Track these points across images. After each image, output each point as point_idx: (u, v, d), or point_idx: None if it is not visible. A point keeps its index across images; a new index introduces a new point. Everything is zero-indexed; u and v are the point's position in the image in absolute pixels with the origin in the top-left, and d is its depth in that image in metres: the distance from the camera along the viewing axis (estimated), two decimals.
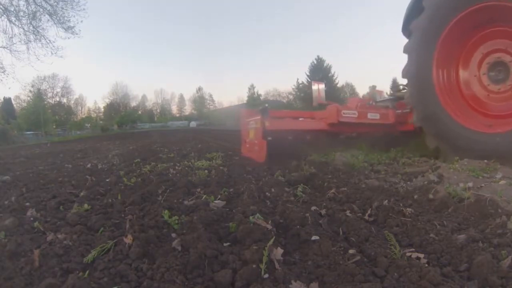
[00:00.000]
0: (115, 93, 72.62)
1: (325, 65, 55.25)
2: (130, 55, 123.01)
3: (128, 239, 1.43)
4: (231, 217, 1.84)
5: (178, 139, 13.43)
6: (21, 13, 18.39)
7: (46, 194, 2.71)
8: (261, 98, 65.04)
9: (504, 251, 1.29)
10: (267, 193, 2.49)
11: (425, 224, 1.67)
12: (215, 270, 1.23)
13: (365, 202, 2.17)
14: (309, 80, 54.86)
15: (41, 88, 58.73)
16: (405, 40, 4.08)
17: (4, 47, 19.02)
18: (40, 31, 19.10)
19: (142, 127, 64.43)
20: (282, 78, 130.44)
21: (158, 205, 2.07)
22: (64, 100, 66.86)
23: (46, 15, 18.92)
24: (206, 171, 3.61)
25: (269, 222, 1.63)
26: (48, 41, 19.44)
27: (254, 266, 1.17)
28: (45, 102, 55.22)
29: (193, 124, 66.15)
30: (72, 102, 69.76)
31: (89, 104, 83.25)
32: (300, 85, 57.85)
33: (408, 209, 1.91)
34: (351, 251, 1.34)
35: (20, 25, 18.58)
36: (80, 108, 73.50)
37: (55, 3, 18.70)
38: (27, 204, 2.36)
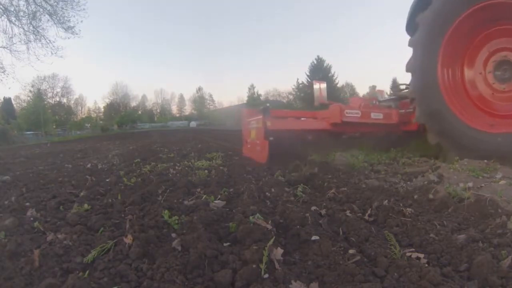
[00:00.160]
0: (115, 93, 72.68)
1: (325, 65, 55.27)
2: (130, 55, 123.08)
3: (128, 239, 1.43)
4: (231, 217, 1.84)
5: (178, 139, 13.43)
6: (21, 13, 18.43)
7: (46, 194, 2.71)
8: (261, 98, 65.03)
9: (504, 251, 1.29)
10: (267, 193, 2.49)
11: (425, 224, 1.67)
12: (215, 270, 1.23)
13: (365, 202, 2.17)
14: (309, 80, 54.86)
15: (41, 88, 58.80)
16: (407, 39, 4.05)
17: (4, 47, 19.05)
18: (40, 31, 19.14)
19: (142, 127, 64.42)
20: (282, 78, 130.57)
21: (158, 205, 2.07)
22: (64, 100, 66.94)
23: (46, 15, 18.95)
24: (206, 171, 3.61)
25: (269, 222, 1.63)
26: (48, 41, 19.48)
27: (254, 266, 1.17)
28: (45, 102, 55.23)
29: (193, 124, 66.14)
30: (72, 102, 69.84)
31: (89, 104, 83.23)
32: (300, 85, 57.86)
33: (408, 209, 1.91)
34: (351, 251, 1.34)
35: (20, 25, 18.62)
36: (80, 108, 73.57)
37: (55, 3, 18.74)
38: (27, 204, 2.35)
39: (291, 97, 62.89)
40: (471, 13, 3.34)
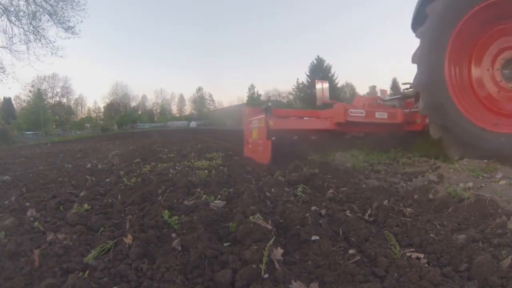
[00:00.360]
0: (115, 93, 72.72)
1: (325, 65, 55.33)
2: (130, 55, 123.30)
3: (128, 239, 1.43)
4: (231, 217, 1.84)
5: (178, 139, 13.43)
6: (21, 13, 18.41)
7: (46, 194, 2.71)
8: (262, 98, 65.03)
9: (504, 251, 1.29)
10: (267, 193, 2.49)
11: (425, 224, 1.67)
12: (215, 270, 1.23)
13: (365, 202, 2.17)
14: (309, 80, 54.87)
15: (41, 88, 58.79)
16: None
17: (4, 47, 19.05)
18: (40, 31, 19.13)
19: (142, 127, 64.45)
20: (282, 78, 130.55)
21: (158, 205, 2.07)
22: (64, 100, 66.95)
23: (46, 15, 18.94)
24: (206, 171, 3.61)
25: (269, 222, 1.63)
26: (48, 41, 19.47)
27: (254, 266, 1.17)
28: (45, 102, 55.19)
29: (193, 124, 66.16)
30: (72, 102, 69.87)
31: (89, 104, 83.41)
32: (300, 85, 57.89)
33: (408, 209, 1.91)
34: (351, 251, 1.34)
35: (20, 25, 18.61)
36: (80, 108, 73.60)
37: (55, 3, 18.72)
38: (27, 204, 2.35)
39: (291, 97, 62.91)
40: (484, 7, 3.22)
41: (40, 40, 19.23)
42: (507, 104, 3.39)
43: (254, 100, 60.26)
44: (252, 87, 71.32)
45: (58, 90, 64.81)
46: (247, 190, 2.43)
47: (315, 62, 55.44)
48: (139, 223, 1.67)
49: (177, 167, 4.05)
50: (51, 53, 19.71)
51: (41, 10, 18.64)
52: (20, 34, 18.87)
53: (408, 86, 5.35)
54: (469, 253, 1.28)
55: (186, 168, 3.99)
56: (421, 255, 1.29)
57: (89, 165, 4.81)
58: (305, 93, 55.24)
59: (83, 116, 69.18)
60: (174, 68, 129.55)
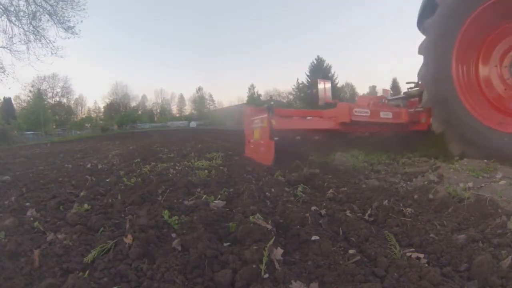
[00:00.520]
0: (115, 93, 72.77)
1: (325, 65, 55.37)
2: (130, 55, 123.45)
3: (128, 239, 1.43)
4: (231, 217, 1.84)
5: (178, 139, 13.43)
6: (21, 13, 18.43)
7: (46, 194, 2.71)
8: (261, 98, 65.05)
9: (504, 251, 1.29)
10: (267, 193, 2.49)
11: (425, 224, 1.67)
12: (215, 270, 1.23)
13: (365, 202, 2.17)
14: (309, 80, 54.82)
15: (41, 88, 58.85)
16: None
17: (4, 47, 19.06)
18: (40, 31, 19.15)
19: (142, 127, 64.50)
20: (282, 78, 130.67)
21: (158, 205, 2.07)
22: (64, 100, 66.99)
23: (46, 15, 18.96)
24: (206, 171, 3.61)
25: (269, 222, 1.63)
26: (48, 41, 19.50)
27: (254, 266, 1.17)
28: (45, 102, 55.20)
29: (193, 124, 66.18)
30: (72, 102, 69.92)
31: (89, 104, 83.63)
32: (300, 85, 57.92)
33: (408, 209, 1.91)
34: (351, 251, 1.34)
35: (20, 25, 18.62)
36: (80, 108, 73.64)
37: (55, 3, 18.74)
38: (27, 204, 2.35)
39: (291, 97, 62.93)
40: (497, 1, 3.13)
41: (40, 40, 19.27)
42: None
43: (254, 100, 60.31)
44: (252, 87, 71.48)
45: (58, 90, 64.93)
46: (247, 190, 2.43)
47: (315, 62, 55.49)
48: (139, 223, 1.67)
49: (177, 167, 4.05)
50: (51, 53, 19.77)
51: (41, 10, 18.68)
52: (20, 34, 18.92)
53: (412, 85, 5.29)
54: (469, 253, 1.28)
55: (186, 168, 3.99)
56: (421, 255, 1.29)
57: (89, 165, 4.81)
58: (305, 93, 55.20)
59: (83, 116, 69.23)
60: (174, 68, 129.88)
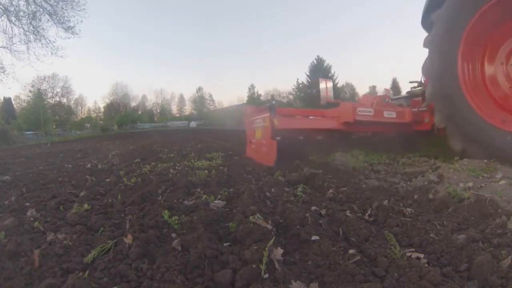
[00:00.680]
0: (115, 93, 72.79)
1: (325, 65, 55.41)
2: (130, 55, 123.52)
3: (128, 239, 1.43)
4: (231, 217, 1.84)
5: (178, 139, 13.43)
6: (21, 13, 18.45)
7: (46, 194, 2.71)
8: (261, 98, 65.08)
9: (504, 251, 1.29)
10: (267, 193, 2.49)
11: (425, 224, 1.67)
12: (215, 270, 1.23)
13: (365, 202, 2.17)
14: (309, 80, 54.82)
15: (41, 88, 58.88)
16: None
17: (4, 47, 19.08)
18: (40, 31, 19.17)
19: (142, 127, 64.51)
20: (282, 78, 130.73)
21: (158, 205, 2.07)
22: (64, 100, 67.00)
23: (46, 15, 18.98)
24: (206, 171, 3.61)
25: (269, 222, 1.63)
26: (48, 41, 19.52)
27: (254, 266, 1.17)
28: (45, 102, 55.22)
29: (193, 124, 66.19)
30: (72, 102, 69.92)
31: (89, 104, 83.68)
32: (300, 85, 57.96)
33: (408, 209, 1.91)
34: (351, 251, 1.34)
35: (20, 25, 18.64)
36: (80, 108, 73.65)
37: (55, 3, 18.75)
38: (27, 204, 2.35)
39: (291, 97, 62.95)
40: None
41: (40, 40, 19.29)
42: None
43: (254, 100, 60.38)
44: (252, 87, 71.63)
45: (58, 90, 64.94)
46: (247, 190, 2.43)
47: (315, 62, 55.53)
48: (139, 223, 1.67)
49: (177, 167, 4.05)
50: (51, 53, 19.79)
51: (41, 10, 18.70)
52: (20, 34, 18.94)
53: (415, 84, 5.23)
54: (469, 253, 1.28)
55: (186, 168, 3.99)
56: (421, 255, 1.29)
57: (89, 165, 4.81)
58: (305, 93, 55.21)
59: (83, 116, 69.25)
60: (174, 68, 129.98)
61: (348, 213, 1.93)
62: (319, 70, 53.64)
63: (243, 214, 1.80)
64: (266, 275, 1.15)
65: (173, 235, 1.62)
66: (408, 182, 2.88)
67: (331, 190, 2.52)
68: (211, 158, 5.05)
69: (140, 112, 75.23)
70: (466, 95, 3.36)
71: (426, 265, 1.22)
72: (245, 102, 65.65)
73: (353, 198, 2.30)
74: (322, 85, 5.31)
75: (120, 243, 1.44)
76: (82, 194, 2.65)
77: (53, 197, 2.56)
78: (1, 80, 20.54)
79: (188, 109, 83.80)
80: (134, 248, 1.37)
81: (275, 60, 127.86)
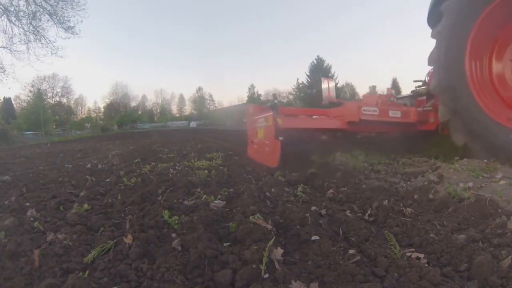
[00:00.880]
0: (115, 93, 72.78)
1: (325, 65, 55.41)
2: (130, 55, 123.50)
3: (128, 239, 1.43)
4: (231, 217, 1.84)
5: (178, 139, 13.43)
6: (21, 13, 18.43)
7: (46, 194, 2.71)
8: (261, 98, 65.12)
9: (504, 251, 1.29)
10: (267, 193, 2.49)
11: (425, 224, 1.67)
12: (215, 270, 1.23)
13: (365, 202, 2.17)
14: (309, 80, 54.92)
15: (41, 88, 58.82)
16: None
17: (4, 47, 19.06)
18: (40, 31, 19.15)
19: (142, 127, 64.55)
20: (282, 78, 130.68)
21: (158, 205, 2.07)
22: (64, 100, 66.95)
23: (46, 15, 18.96)
24: (206, 171, 3.61)
25: (269, 222, 1.63)
26: (48, 41, 19.49)
27: (254, 266, 1.17)
28: (45, 102, 55.17)
29: (193, 124, 66.22)
30: (72, 102, 69.87)
31: (89, 104, 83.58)
32: (300, 85, 57.98)
33: (408, 209, 1.91)
34: (351, 251, 1.34)
35: (20, 25, 18.62)
36: (80, 108, 73.62)
37: (55, 3, 18.73)
38: (27, 204, 2.36)
39: (291, 97, 62.96)
40: None
41: (40, 40, 19.27)
42: None
43: (254, 100, 60.37)
44: (252, 87, 71.71)
45: (58, 90, 64.86)
46: (247, 190, 2.43)
47: (315, 62, 55.53)
48: (139, 223, 1.67)
49: (177, 167, 4.05)
50: (51, 53, 19.76)
51: (41, 10, 18.68)
52: (20, 34, 18.92)
53: (420, 83, 5.14)
54: (469, 253, 1.28)
55: (186, 168, 3.99)
56: (421, 255, 1.29)
57: (89, 165, 4.81)
58: (305, 93, 55.30)
59: (83, 116, 69.22)
60: (174, 68, 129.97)
61: (348, 213, 1.93)
62: (319, 70, 53.65)
63: (243, 214, 1.80)
64: (266, 275, 1.15)
65: (173, 235, 1.62)
66: (408, 182, 2.88)
67: (331, 190, 2.52)
68: (211, 158, 5.05)
69: (140, 112, 75.25)
70: (472, 89, 3.29)
71: (426, 265, 1.22)
72: (245, 102, 65.66)
73: (353, 198, 2.30)
74: (324, 84, 5.20)
75: (120, 243, 1.44)
76: (82, 194, 2.66)
77: (53, 197, 2.56)
78: (1, 80, 20.55)
79: (188, 109, 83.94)
80: (134, 248, 1.37)
81: (275, 60, 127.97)
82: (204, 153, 5.89)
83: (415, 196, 2.28)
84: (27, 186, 3.26)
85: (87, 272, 1.21)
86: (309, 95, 52.54)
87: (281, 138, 3.75)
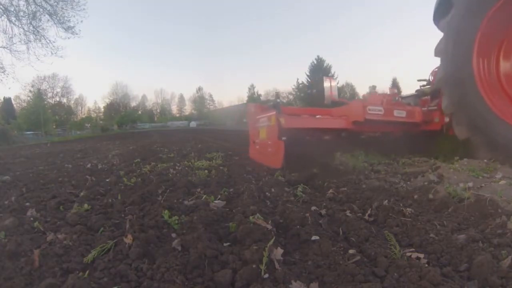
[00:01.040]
0: (115, 93, 72.77)
1: (325, 65, 55.35)
2: (130, 55, 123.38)
3: (128, 239, 1.43)
4: (231, 217, 1.84)
5: (178, 139, 13.43)
6: (21, 13, 18.41)
7: (46, 194, 2.71)
8: (261, 98, 65.14)
9: (504, 251, 1.29)
10: (267, 193, 2.49)
11: (425, 224, 1.67)
12: (215, 270, 1.23)
13: (365, 202, 2.17)
14: (309, 80, 54.91)
15: (41, 88, 58.77)
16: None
17: (4, 47, 19.05)
18: (40, 31, 19.12)
19: (142, 127, 64.57)
20: (282, 78, 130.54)
21: (158, 205, 2.08)
22: (64, 100, 66.89)
23: (46, 15, 18.93)
24: (206, 171, 3.61)
25: (269, 222, 1.63)
26: (48, 41, 19.47)
27: (254, 266, 1.17)
28: (45, 102, 55.13)
29: (193, 124, 66.22)
30: (72, 102, 69.81)
31: (89, 104, 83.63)
32: (300, 85, 57.96)
33: (408, 209, 1.91)
34: (351, 251, 1.34)
35: (20, 25, 18.60)
36: (80, 108, 73.57)
37: (55, 3, 18.71)
38: (27, 204, 2.36)
39: (291, 97, 62.95)
40: None
41: (40, 40, 19.25)
42: None
43: (254, 100, 60.33)
44: (252, 87, 71.70)
45: (58, 90, 64.81)
46: (247, 190, 2.43)
47: (315, 62, 55.48)
48: (139, 223, 1.67)
49: (177, 167, 4.05)
50: (51, 53, 19.73)
51: (41, 10, 18.65)
52: (20, 34, 18.90)
53: (424, 83, 5.11)
54: (469, 253, 1.28)
55: (186, 168, 3.99)
56: (421, 255, 1.29)
57: (89, 165, 4.81)
58: (305, 93, 55.29)
59: (83, 116, 69.17)
60: (174, 68, 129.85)
61: (348, 213, 1.93)
62: (319, 70, 53.61)
63: (243, 214, 1.80)
64: (266, 275, 1.15)
65: (173, 235, 1.63)
66: (408, 182, 2.88)
67: (331, 190, 2.52)
68: (211, 158, 5.05)
69: (140, 112, 75.24)
70: (478, 83, 3.24)
71: (426, 265, 1.22)
72: (245, 102, 65.64)
73: (353, 198, 2.30)
74: (326, 83, 5.08)
75: (120, 243, 1.44)
76: (82, 194, 2.66)
77: (53, 197, 2.56)
78: (1, 80, 20.54)
79: (188, 109, 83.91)
80: (134, 248, 1.37)
81: (275, 60, 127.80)
82: (204, 153, 5.89)
83: (415, 196, 2.28)
84: (27, 186, 3.26)
85: (87, 272, 1.21)
86: (309, 95, 52.54)
87: (284, 138, 3.66)
